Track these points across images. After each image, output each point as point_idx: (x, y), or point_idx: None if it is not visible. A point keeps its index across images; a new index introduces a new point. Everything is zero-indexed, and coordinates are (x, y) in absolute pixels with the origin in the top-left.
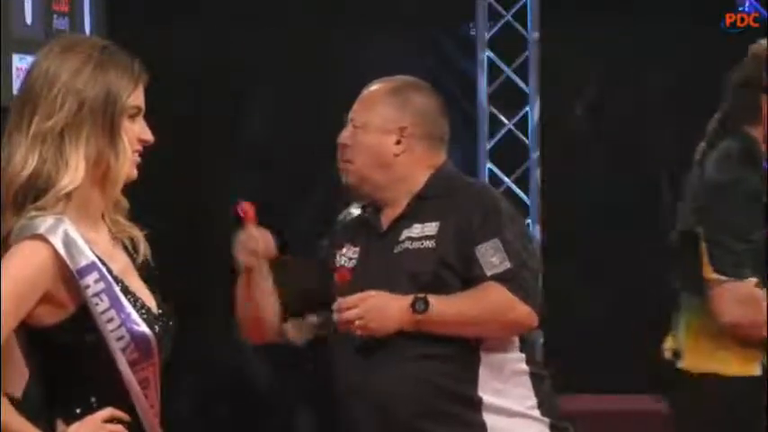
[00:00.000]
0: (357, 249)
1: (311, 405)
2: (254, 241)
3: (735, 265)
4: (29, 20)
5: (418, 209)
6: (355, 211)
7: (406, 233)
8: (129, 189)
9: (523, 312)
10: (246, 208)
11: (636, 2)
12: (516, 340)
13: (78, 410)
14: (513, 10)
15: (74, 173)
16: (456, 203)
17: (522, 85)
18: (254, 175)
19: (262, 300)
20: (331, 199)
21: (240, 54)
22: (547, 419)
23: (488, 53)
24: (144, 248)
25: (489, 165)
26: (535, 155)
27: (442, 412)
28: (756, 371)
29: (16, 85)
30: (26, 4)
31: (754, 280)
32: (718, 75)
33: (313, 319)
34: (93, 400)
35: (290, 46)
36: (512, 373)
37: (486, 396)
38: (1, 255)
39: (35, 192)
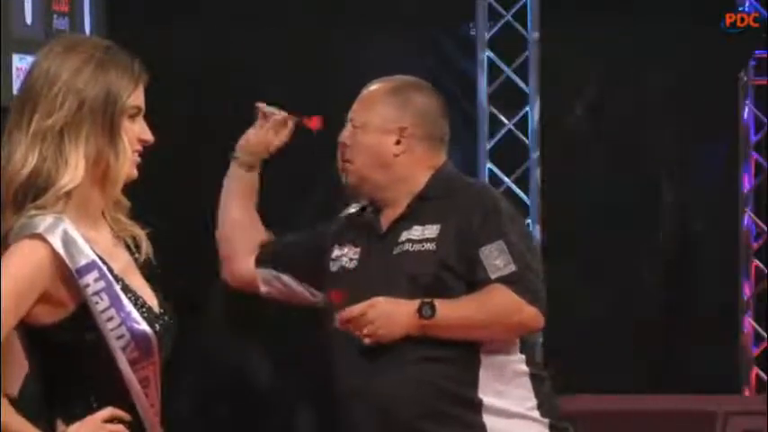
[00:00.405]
0: (358, 250)
1: (311, 405)
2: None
3: None
4: (29, 20)
5: (418, 210)
6: (353, 209)
7: (405, 235)
8: (129, 189)
9: (530, 314)
10: (317, 120)
11: (636, 2)
12: (517, 342)
13: (78, 410)
14: (513, 10)
15: (73, 171)
16: (456, 204)
17: (522, 85)
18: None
19: (245, 215)
20: (331, 199)
21: (240, 54)
22: (547, 420)
23: (488, 53)
24: (146, 247)
25: (489, 165)
26: (535, 155)
27: (443, 414)
28: None
29: (16, 85)
30: (26, 4)
31: None
32: (718, 75)
33: (287, 279)
34: (92, 399)
35: (290, 46)
36: (512, 375)
37: (487, 398)
38: (1, 253)
39: (35, 190)
